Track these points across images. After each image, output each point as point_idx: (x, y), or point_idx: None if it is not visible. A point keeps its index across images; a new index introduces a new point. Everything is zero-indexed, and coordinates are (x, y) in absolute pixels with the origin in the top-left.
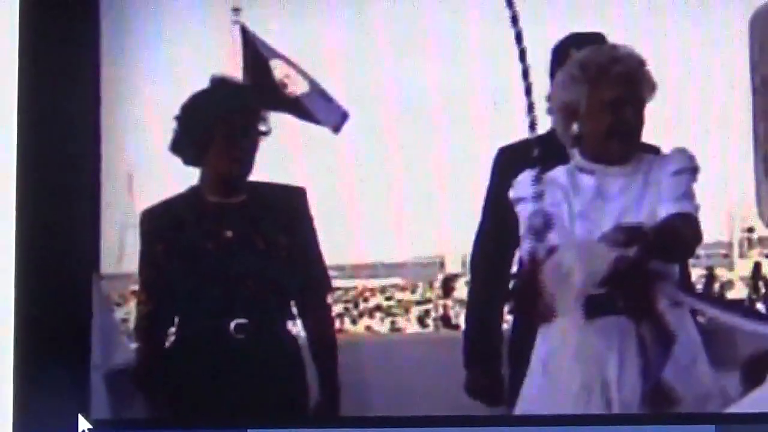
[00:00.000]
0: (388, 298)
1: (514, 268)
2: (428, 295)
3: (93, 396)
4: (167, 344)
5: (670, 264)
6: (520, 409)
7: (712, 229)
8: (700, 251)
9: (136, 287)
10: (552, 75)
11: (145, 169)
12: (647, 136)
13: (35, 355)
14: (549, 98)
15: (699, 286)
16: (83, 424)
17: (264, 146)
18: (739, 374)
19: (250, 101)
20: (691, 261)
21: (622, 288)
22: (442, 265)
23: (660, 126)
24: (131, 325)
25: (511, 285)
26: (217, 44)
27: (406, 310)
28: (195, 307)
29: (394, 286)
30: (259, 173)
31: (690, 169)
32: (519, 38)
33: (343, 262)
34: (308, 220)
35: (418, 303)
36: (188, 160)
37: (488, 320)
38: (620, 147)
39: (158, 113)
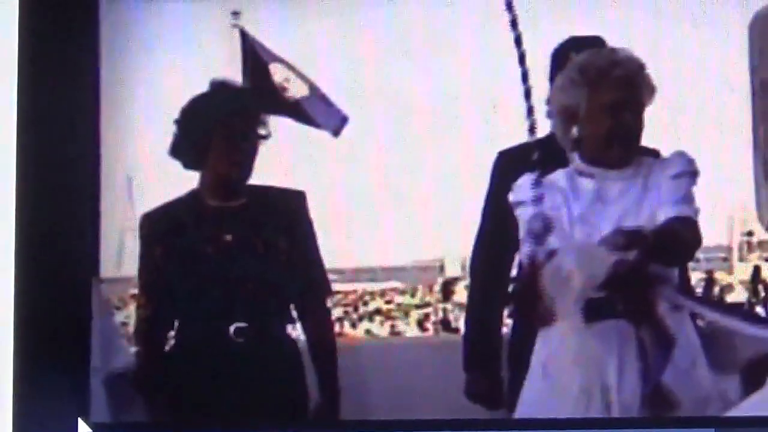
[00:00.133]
0: (388, 302)
1: (514, 272)
2: (428, 298)
3: (93, 399)
4: (167, 348)
5: (669, 267)
6: (519, 412)
7: (712, 232)
8: (699, 255)
9: (135, 291)
10: (551, 78)
11: (144, 172)
12: (647, 140)
13: (35, 359)
14: (548, 102)
15: (698, 290)
16: (83, 427)
17: (264, 150)
18: (738, 378)
19: (249, 105)
20: (690, 264)
21: (622, 291)
22: (441, 268)
23: (659, 129)
24: (131, 328)
25: (510, 288)
26: (216, 48)
27: (406, 314)
28: (195, 311)
29: (394, 289)
30: (258, 177)
31: (689, 172)
32: (518, 42)
33: (342, 266)
34: (308, 223)
35: (418, 306)
36: (188, 164)
37: (488, 324)
38: (620, 150)
39: (158, 117)
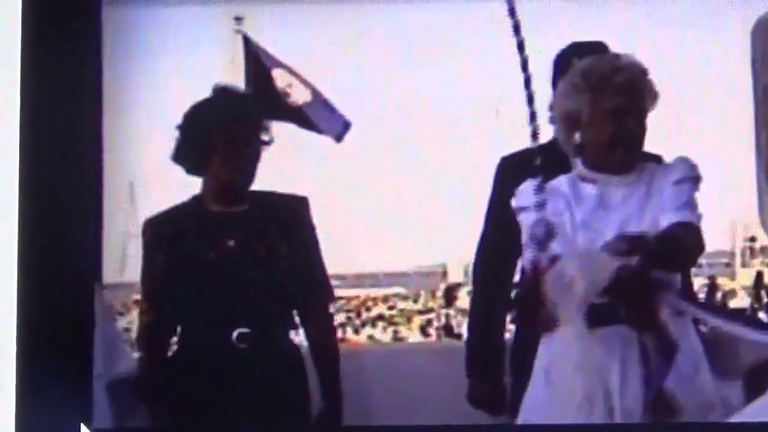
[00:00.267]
0: (391, 308)
1: (517, 278)
2: (430, 304)
3: (95, 405)
4: (170, 353)
5: (672, 273)
6: (522, 418)
7: (715, 238)
8: (702, 260)
9: (138, 296)
10: (554, 84)
11: (147, 178)
12: (649, 145)
13: (38, 365)
14: (551, 107)
15: (701, 296)
16: None
17: (266, 155)
18: (741, 383)
19: (252, 110)
20: (693, 270)
21: (625, 297)
22: (444, 274)
23: (662, 135)
24: (134, 334)
25: (513, 294)
26: (219, 53)
27: (409, 320)
28: (197, 317)
29: (397, 295)
30: (261, 182)
31: (692, 178)
32: (521, 47)
33: (345, 272)
34: (310, 229)
35: (421, 312)
36: (191, 170)
37: (490, 329)
38: (622, 156)
39: (160, 122)
